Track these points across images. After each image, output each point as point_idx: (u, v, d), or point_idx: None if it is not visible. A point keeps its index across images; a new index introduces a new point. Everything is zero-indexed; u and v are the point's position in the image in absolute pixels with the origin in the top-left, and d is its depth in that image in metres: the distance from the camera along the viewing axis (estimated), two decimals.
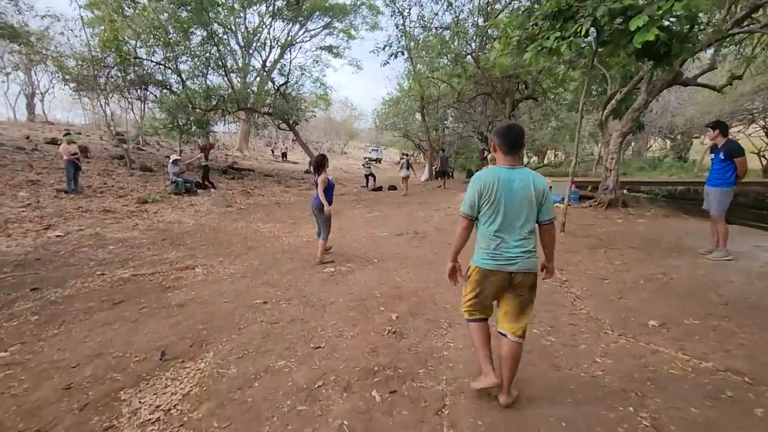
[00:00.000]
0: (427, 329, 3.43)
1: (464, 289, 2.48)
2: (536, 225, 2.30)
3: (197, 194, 12.67)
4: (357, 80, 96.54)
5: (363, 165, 18.80)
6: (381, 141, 54.07)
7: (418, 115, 30.85)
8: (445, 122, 23.03)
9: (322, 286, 4.61)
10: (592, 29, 5.51)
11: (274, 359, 2.94)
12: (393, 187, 17.78)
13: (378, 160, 40.88)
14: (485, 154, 19.70)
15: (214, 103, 16.05)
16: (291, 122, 18.91)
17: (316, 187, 5.76)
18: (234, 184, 15.71)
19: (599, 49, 6.03)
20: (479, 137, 21.65)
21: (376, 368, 2.79)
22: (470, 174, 22.76)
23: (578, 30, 5.42)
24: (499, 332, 2.36)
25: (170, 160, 12.59)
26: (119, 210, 9.35)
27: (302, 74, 19.59)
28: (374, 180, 17.67)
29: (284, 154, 33.37)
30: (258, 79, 23.85)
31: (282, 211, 10.96)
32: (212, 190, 13.61)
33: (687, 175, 19.29)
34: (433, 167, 24.47)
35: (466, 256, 2.43)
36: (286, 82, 18.58)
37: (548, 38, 5.71)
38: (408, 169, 16.06)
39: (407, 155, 22.46)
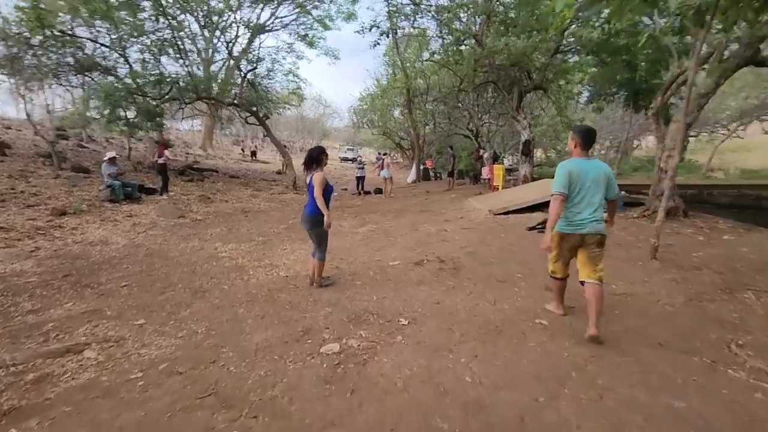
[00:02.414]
0: None
1: (549, 255, 3.28)
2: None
3: (141, 201, 10.05)
4: (331, 76, 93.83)
5: (356, 167, 16.19)
6: (356, 140, 51.60)
7: (396, 112, 28.74)
8: (435, 116, 20.91)
9: (323, 401, 2.34)
10: None
11: None
12: (379, 190, 15.56)
13: (354, 160, 38.48)
14: (480, 153, 17.79)
15: (167, 90, 13.31)
16: (261, 116, 16.34)
17: (310, 190, 3.99)
18: (191, 188, 13.07)
19: None
20: (472, 133, 19.67)
21: None
22: (461, 174, 20.72)
23: None
24: (581, 282, 3.05)
25: (105, 158, 9.91)
26: (19, 227, 6.71)
27: (274, 61, 16.98)
28: (363, 183, 15.27)
29: (253, 153, 30.36)
30: (224, 66, 21.06)
31: (249, 224, 8.54)
32: (162, 195, 11.03)
33: (694, 176, 17.92)
34: (425, 167, 22.44)
35: None
36: (254, 68, 15.98)
37: None
38: (384, 169, 14.52)
39: (386, 154, 20.29)
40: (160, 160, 11.36)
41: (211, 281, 4.70)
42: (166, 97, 13.70)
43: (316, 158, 4.02)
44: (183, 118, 19.72)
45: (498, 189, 12.54)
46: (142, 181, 11.97)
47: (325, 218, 3.92)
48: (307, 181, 4.05)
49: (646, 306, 3.59)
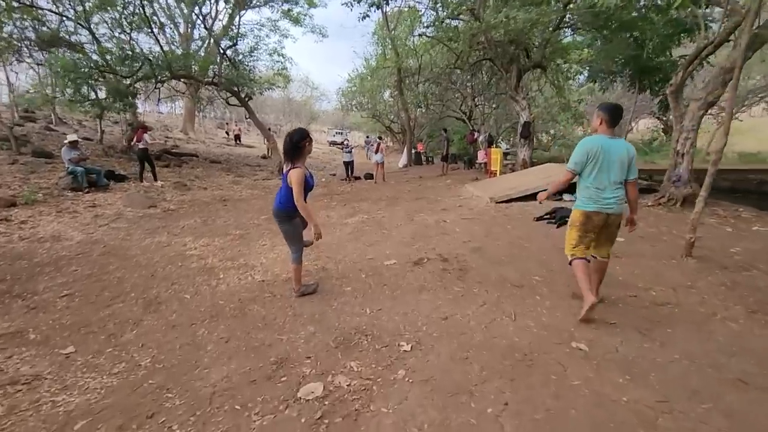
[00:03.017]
0: None
1: (568, 236, 3.09)
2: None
3: (108, 189, 9.13)
4: (317, 59, 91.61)
5: (344, 150, 14.79)
6: (345, 123, 50.36)
7: (386, 94, 27.67)
8: (427, 98, 19.98)
9: None
10: None
11: None
12: (370, 176, 14.74)
13: (342, 144, 37.35)
14: (475, 136, 17.04)
15: (138, 66, 12.19)
16: (242, 96, 15.30)
17: (284, 182, 3.28)
18: (167, 174, 12.11)
19: None
20: (465, 116, 18.87)
21: None
22: (454, 159, 19.96)
23: None
24: (591, 256, 3.07)
25: (66, 141, 8.95)
26: None
27: (257, 38, 15.86)
28: (352, 169, 14.17)
29: (237, 137, 29.00)
30: (204, 44, 19.78)
31: (227, 214, 7.73)
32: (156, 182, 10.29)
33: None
34: (417, 151, 21.60)
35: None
36: (233, 45, 14.86)
37: None
38: (377, 153, 13.88)
39: (380, 138, 19.42)
40: (140, 145, 10.39)
41: (171, 288, 3.93)
42: (139, 75, 12.59)
43: (297, 145, 3.15)
44: (160, 99, 18.43)
45: (496, 174, 11.84)
46: (113, 167, 11.03)
47: (314, 229, 3.22)
48: (285, 171, 3.27)
49: (703, 322, 2.93)
